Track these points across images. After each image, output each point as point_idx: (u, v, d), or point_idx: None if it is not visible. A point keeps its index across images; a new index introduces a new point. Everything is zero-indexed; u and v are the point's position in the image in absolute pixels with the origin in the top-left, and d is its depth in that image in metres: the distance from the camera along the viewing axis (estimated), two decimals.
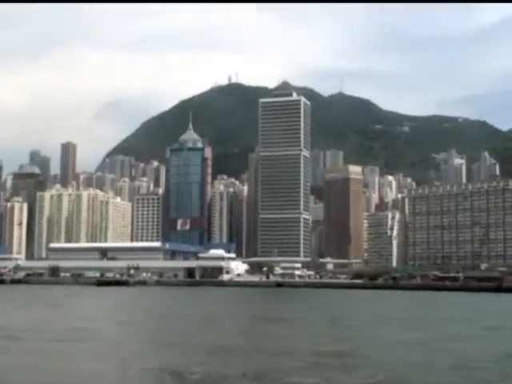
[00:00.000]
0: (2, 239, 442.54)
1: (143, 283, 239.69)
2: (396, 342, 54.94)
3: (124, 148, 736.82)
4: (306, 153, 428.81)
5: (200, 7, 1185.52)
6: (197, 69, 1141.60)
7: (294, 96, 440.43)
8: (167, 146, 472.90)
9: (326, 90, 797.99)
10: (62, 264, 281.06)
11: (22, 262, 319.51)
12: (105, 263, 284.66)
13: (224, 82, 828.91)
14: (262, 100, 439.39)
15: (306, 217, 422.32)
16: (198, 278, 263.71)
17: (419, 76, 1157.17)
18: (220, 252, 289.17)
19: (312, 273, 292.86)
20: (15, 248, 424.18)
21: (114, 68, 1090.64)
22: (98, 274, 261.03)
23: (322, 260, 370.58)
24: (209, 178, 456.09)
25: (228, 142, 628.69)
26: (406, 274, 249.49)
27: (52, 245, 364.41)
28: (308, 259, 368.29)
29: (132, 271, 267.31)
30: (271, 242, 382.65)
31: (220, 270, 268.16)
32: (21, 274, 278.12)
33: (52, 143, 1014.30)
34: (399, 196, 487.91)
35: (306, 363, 42.40)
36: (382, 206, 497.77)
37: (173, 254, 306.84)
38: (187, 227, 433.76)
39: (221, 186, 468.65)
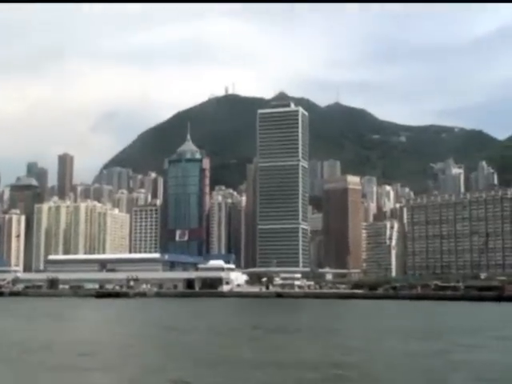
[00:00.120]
0: (0, 251, 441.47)
1: (143, 295, 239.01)
2: (410, 352, 54.45)
3: (121, 159, 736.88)
4: (304, 163, 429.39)
5: (197, 20, 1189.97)
6: (193, 80, 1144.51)
7: (292, 107, 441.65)
8: (164, 157, 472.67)
9: (322, 100, 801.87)
10: (61, 276, 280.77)
11: (21, 275, 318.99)
12: (104, 275, 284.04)
13: (221, 93, 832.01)
14: (259, 111, 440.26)
15: (305, 227, 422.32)
16: (197, 289, 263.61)
17: (415, 86, 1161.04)
18: (219, 263, 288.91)
19: (312, 283, 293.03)
20: (13, 260, 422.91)
21: (111, 79, 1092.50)
22: (97, 286, 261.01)
23: (321, 270, 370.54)
24: (207, 189, 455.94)
25: (225, 153, 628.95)
26: (407, 283, 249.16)
27: (50, 257, 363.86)
28: (307, 269, 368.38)
29: (131, 283, 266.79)
30: (270, 253, 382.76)
31: (220, 280, 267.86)
32: (20, 287, 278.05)
33: (49, 155, 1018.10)
34: (397, 206, 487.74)
35: (326, 375, 41.93)
36: (380, 215, 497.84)
37: (172, 265, 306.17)
38: (186, 238, 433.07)
39: (219, 197, 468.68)
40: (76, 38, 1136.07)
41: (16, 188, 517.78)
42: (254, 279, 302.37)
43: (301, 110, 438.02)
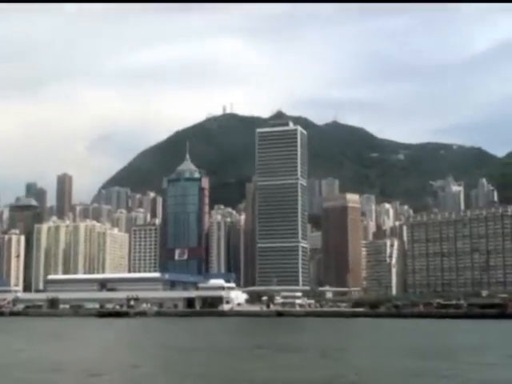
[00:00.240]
0: (0, 271, 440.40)
1: (143, 314, 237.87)
2: (424, 372, 54.09)
3: (120, 179, 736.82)
4: (303, 181, 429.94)
5: (194, 40, 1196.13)
6: (191, 99, 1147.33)
7: (291, 125, 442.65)
8: (163, 177, 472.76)
9: (319, 119, 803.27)
10: (61, 296, 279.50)
11: (21, 294, 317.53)
12: (104, 294, 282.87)
13: (219, 112, 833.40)
14: (258, 130, 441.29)
15: (305, 245, 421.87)
16: (198, 308, 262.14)
17: (413, 104, 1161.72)
18: (220, 282, 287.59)
19: (312, 302, 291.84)
20: (13, 280, 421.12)
21: (110, 99, 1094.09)
22: (97, 306, 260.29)
23: (321, 288, 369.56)
24: (206, 208, 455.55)
25: (223, 172, 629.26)
26: (409, 301, 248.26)
27: (50, 276, 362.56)
28: (307, 288, 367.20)
29: (132, 302, 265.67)
30: (269, 271, 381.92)
31: (220, 299, 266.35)
32: (20, 307, 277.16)
33: (48, 175, 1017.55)
34: (397, 223, 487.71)
35: None
36: (379, 233, 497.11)
37: (172, 285, 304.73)
38: (185, 257, 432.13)
39: (218, 216, 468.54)
40: (74, 58, 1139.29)
41: (15, 208, 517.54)
42: (253, 298, 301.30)
43: (299, 128, 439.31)
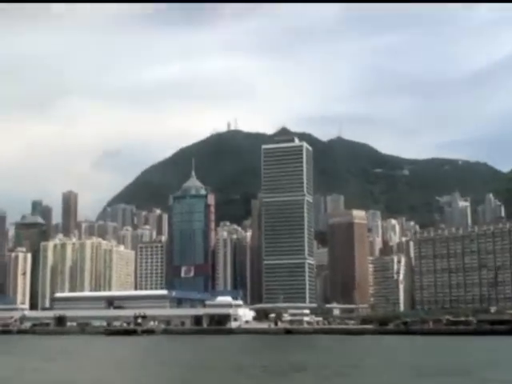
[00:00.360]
0: (6, 289, 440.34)
1: (151, 332, 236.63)
2: None
3: (125, 196, 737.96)
4: (309, 198, 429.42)
5: (197, 56, 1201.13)
6: (196, 117, 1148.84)
7: (296, 142, 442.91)
8: (168, 194, 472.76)
9: (324, 135, 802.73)
10: (68, 313, 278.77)
11: (28, 312, 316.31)
12: (111, 312, 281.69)
13: (223, 128, 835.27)
14: (264, 146, 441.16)
15: (311, 262, 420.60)
16: (205, 325, 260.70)
17: (418, 119, 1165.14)
18: (227, 299, 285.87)
19: (320, 319, 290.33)
20: (19, 298, 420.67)
21: (114, 116, 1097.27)
22: (104, 323, 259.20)
23: (328, 305, 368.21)
24: (212, 225, 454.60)
25: (228, 189, 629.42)
26: (418, 318, 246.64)
27: (57, 294, 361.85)
28: (314, 305, 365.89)
29: (139, 320, 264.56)
30: (276, 288, 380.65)
31: (228, 317, 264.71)
32: (27, 325, 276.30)
33: (53, 192, 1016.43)
34: (403, 239, 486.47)
35: None
36: (386, 249, 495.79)
37: (179, 302, 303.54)
38: (191, 274, 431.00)
39: (224, 233, 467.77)
40: (77, 76, 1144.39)
41: (21, 226, 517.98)
42: (260, 315, 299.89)
43: (305, 144, 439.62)
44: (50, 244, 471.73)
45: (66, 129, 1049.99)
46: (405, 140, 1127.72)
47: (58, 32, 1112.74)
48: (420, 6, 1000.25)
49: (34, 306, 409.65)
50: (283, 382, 63.70)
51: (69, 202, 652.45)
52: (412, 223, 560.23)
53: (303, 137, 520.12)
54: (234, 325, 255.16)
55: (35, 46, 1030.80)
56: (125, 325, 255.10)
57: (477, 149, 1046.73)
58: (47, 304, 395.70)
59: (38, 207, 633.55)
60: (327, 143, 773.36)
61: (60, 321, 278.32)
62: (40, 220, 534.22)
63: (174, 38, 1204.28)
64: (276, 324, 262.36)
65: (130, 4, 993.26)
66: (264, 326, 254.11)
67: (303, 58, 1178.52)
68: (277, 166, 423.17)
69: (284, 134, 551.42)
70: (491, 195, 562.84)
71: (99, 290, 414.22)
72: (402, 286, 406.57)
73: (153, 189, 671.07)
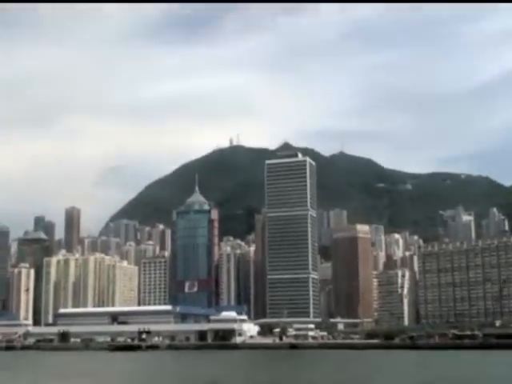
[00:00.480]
0: (10, 305, 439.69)
1: (156, 347, 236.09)
2: None
3: (127, 211, 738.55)
4: (312, 212, 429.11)
5: (199, 72, 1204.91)
6: (198, 132, 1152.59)
7: (300, 157, 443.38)
8: (171, 209, 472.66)
9: (326, 149, 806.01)
10: (72, 329, 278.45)
11: (32, 328, 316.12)
12: (115, 327, 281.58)
13: (225, 144, 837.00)
14: (267, 161, 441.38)
15: (315, 276, 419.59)
16: (210, 340, 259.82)
17: (419, 134, 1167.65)
18: (232, 314, 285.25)
19: (325, 333, 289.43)
20: (22, 314, 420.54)
21: (117, 132, 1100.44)
22: (108, 339, 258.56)
23: (332, 320, 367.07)
24: (216, 240, 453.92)
25: (231, 204, 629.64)
26: (423, 333, 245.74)
27: (61, 310, 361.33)
28: (318, 320, 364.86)
29: (144, 335, 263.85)
30: (280, 303, 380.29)
31: (232, 332, 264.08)
32: (31, 340, 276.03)
33: (56, 208, 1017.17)
34: (407, 254, 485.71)
35: None
36: (390, 264, 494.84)
37: (184, 317, 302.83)
38: (195, 289, 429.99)
39: (227, 248, 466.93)
40: (79, 91, 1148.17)
41: (24, 242, 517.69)
42: (265, 330, 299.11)
43: (308, 159, 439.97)
44: (53, 260, 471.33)
45: (69, 145, 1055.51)
46: (407, 154, 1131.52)
47: (59, 50, 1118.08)
48: (420, 21, 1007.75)
49: (37, 321, 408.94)
50: None
51: (72, 218, 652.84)
52: (415, 237, 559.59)
53: (305, 152, 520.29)
54: (238, 340, 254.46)
55: (35, 64, 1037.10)
56: (129, 340, 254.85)
57: (478, 163, 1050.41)
58: (50, 320, 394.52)
59: (40, 223, 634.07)
60: (329, 158, 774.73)
61: (64, 337, 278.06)
62: (43, 236, 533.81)
63: (176, 54, 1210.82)
64: (281, 339, 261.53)
65: (131, 21, 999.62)
66: (269, 340, 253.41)
67: (304, 73, 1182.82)
68: (280, 181, 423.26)
69: (286, 149, 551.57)
70: (495, 209, 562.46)
71: (102, 306, 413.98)
72: (406, 300, 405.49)
73: (155, 204, 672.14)
